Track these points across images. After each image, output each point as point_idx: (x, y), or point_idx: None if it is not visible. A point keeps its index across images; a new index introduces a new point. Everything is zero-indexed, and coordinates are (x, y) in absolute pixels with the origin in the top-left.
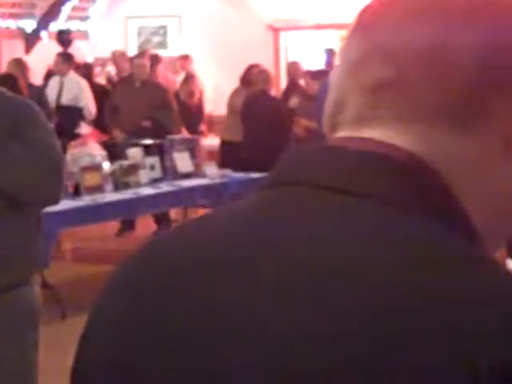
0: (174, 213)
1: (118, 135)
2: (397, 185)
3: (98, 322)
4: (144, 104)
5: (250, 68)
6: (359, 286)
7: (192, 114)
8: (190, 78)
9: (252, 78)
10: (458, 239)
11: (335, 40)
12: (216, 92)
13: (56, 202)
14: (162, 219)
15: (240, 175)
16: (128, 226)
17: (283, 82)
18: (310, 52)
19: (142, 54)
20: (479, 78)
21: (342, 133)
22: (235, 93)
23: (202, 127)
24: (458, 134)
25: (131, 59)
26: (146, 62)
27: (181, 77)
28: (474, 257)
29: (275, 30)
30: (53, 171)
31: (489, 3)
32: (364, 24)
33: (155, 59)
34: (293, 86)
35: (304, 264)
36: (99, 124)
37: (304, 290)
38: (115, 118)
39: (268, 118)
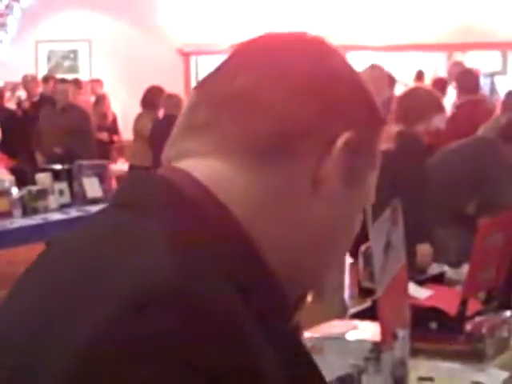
0: None
1: (40, 159)
2: (173, 209)
3: None
4: (63, 129)
5: (151, 90)
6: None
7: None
8: (101, 100)
9: (162, 103)
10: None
11: None
12: (126, 116)
13: None
14: None
15: None
16: None
17: None
18: None
19: (63, 79)
20: (283, 123)
21: (169, 165)
22: (139, 117)
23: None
24: (263, 171)
25: (55, 84)
26: (69, 86)
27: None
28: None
29: (185, 55)
30: None
31: (292, 60)
32: (202, 79)
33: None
34: None
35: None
36: (7, 149)
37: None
38: (38, 142)
39: None
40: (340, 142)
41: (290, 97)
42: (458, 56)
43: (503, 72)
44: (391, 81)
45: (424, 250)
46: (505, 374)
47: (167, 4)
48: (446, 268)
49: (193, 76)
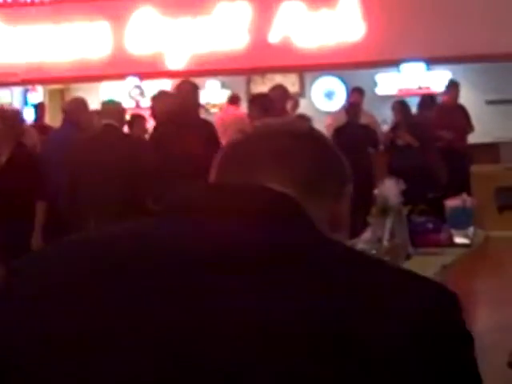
0: None
1: None
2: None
3: None
4: None
5: None
6: None
7: None
8: None
9: None
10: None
11: None
12: None
13: None
14: None
15: None
16: None
17: None
18: None
19: None
20: (318, 167)
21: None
22: None
23: None
24: (310, 200)
25: None
26: None
27: None
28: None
29: None
30: None
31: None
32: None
33: None
34: None
35: None
36: None
37: None
38: None
39: None
40: (346, 190)
41: (316, 167)
42: (258, 79)
43: (302, 94)
44: None
45: None
46: None
47: None
48: None
49: None
